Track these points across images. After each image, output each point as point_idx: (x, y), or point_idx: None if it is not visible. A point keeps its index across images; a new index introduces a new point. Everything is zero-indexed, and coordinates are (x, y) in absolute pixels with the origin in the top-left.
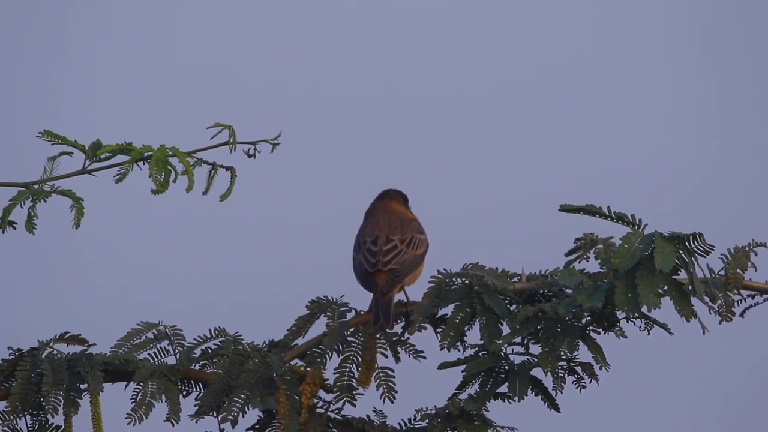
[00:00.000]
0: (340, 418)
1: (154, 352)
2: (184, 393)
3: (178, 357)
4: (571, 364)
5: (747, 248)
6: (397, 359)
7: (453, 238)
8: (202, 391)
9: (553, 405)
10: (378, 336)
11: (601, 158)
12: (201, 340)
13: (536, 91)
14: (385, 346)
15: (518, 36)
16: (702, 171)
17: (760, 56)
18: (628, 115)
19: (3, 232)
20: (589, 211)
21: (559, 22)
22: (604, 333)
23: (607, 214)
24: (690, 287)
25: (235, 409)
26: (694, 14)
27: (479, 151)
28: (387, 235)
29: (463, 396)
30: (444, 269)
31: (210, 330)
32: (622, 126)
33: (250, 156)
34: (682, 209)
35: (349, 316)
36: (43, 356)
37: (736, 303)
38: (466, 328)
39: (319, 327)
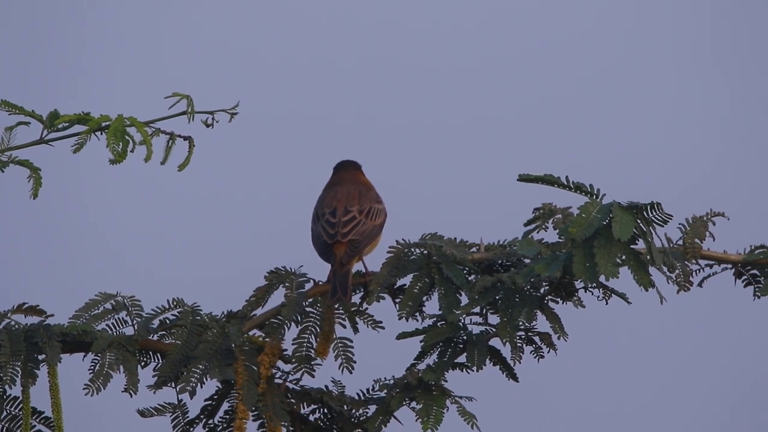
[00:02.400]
0: (299, 388)
1: (112, 323)
2: (143, 364)
3: (136, 328)
4: (530, 333)
5: (705, 218)
6: (356, 330)
7: (420, 209)
8: (161, 361)
9: (512, 375)
10: (336, 306)
11: (590, 139)
12: (159, 311)
13: (528, 67)
14: (343, 317)
15: (515, 11)
16: (703, 157)
17: (762, 47)
18: (623, 98)
19: None
20: (548, 180)
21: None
22: (563, 303)
23: (566, 183)
24: (648, 257)
25: (193, 379)
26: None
27: (465, 127)
28: (345, 206)
29: (422, 366)
30: (403, 239)
31: (168, 301)
32: (618, 109)
33: (208, 126)
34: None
35: (308, 286)
36: (1, 327)
37: (694, 273)
38: (424, 299)
39: (277, 298)
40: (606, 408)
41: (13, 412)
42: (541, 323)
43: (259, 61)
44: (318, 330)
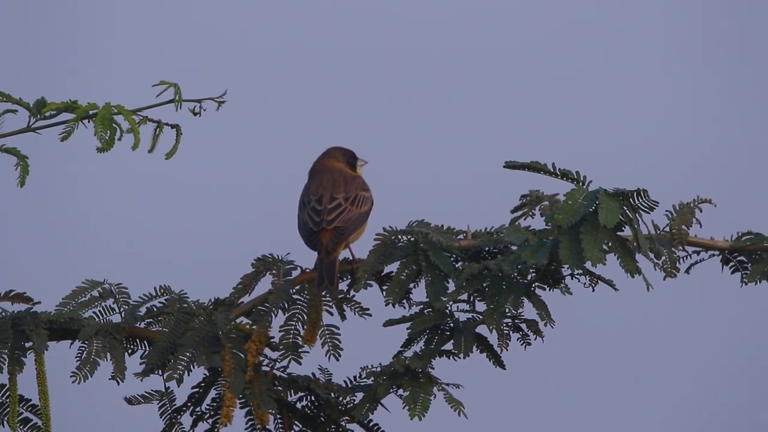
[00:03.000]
0: (286, 376)
1: (99, 311)
2: (130, 351)
3: (123, 315)
4: (516, 321)
5: (692, 204)
6: (343, 317)
7: (407, 197)
8: (148, 349)
9: (498, 362)
10: (323, 294)
11: (580, 131)
12: (146, 299)
13: (518, 58)
14: (330, 304)
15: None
16: (700, 151)
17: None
18: (613, 90)
19: None
20: (534, 167)
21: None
22: (550, 290)
23: (552, 170)
24: (634, 243)
25: (180, 367)
26: None
27: (442, 117)
28: (331, 193)
29: (409, 353)
30: (390, 226)
31: (155, 288)
32: (608, 101)
33: (195, 114)
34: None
35: (295, 273)
36: None
37: (680, 259)
38: (411, 286)
39: (264, 285)
40: (593, 394)
41: (0, 400)
42: (528, 310)
43: (247, 48)
44: (305, 317)
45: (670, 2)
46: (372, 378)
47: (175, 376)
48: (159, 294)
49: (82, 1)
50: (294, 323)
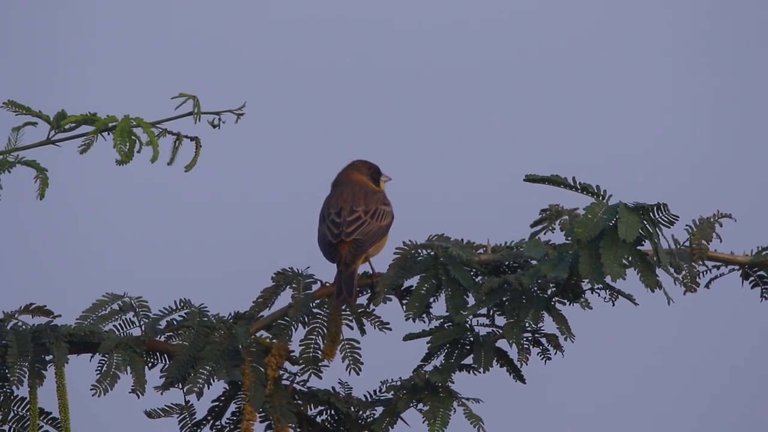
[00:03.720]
0: (306, 390)
1: (120, 324)
2: (150, 365)
3: (143, 328)
4: (536, 335)
5: (712, 219)
6: (362, 331)
7: (427, 211)
8: (168, 362)
9: (519, 376)
10: (343, 308)
11: (588, 143)
12: (166, 312)
13: (524, 72)
14: (350, 318)
15: (508, 13)
16: (700, 155)
17: (754, 45)
18: (618, 100)
19: None
20: (554, 181)
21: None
22: (570, 304)
23: (572, 184)
24: (654, 258)
25: (200, 380)
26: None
27: (461, 132)
28: (351, 206)
29: (429, 368)
30: (410, 240)
31: (175, 302)
32: (612, 111)
33: (214, 126)
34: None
35: (315, 287)
36: (8, 327)
37: (700, 274)
38: (431, 300)
39: (284, 299)
40: (613, 409)
41: (21, 413)
42: (548, 324)
43: (265, 63)
44: (325, 331)
45: (677, 13)
46: (392, 392)
47: (195, 389)
48: (179, 307)
49: (99, 14)
50: (314, 337)
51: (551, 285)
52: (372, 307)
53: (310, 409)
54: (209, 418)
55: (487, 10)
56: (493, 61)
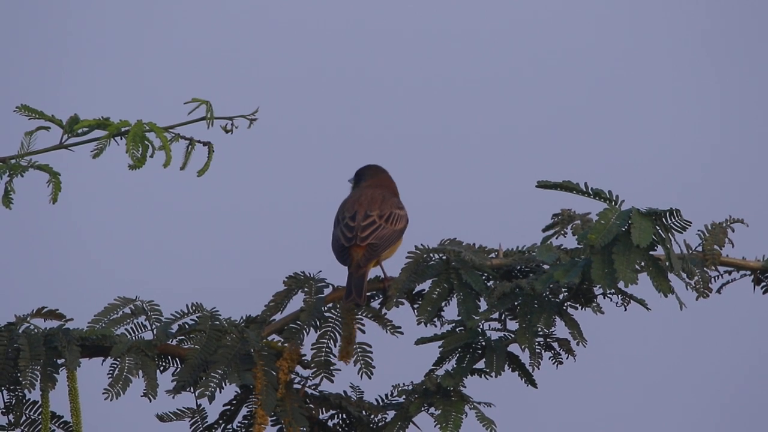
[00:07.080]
0: (318, 393)
1: (131, 328)
2: (162, 368)
3: (155, 332)
4: (548, 340)
5: (724, 224)
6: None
7: (439, 216)
8: (180, 366)
9: (530, 381)
10: (359, 312)
11: (597, 149)
12: (178, 316)
13: (533, 80)
14: (362, 322)
15: (516, 23)
16: (703, 162)
17: (761, 48)
18: (626, 106)
19: None
20: (567, 187)
21: (559, 9)
22: (582, 309)
23: (585, 190)
24: (667, 263)
25: (212, 384)
26: (696, 4)
27: (473, 138)
28: (366, 211)
29: (440, 372)
30: (422, 245)
31: (187, 305)
32: (620, 117)
33: (227, 131)
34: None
35: (327, 291)
36: (20, 331)
37: (713, 279)
38: (443, 304)
39: (296, 303)
40: (625, 414)
41: (33, 417)
42: (560, 329)
43: (278, 70)
44: (337, 335)
45: (679, 17)
46: (403, 396)
47: (207, 393)
48: (191, 311)
49: (111, 20)
50: (326, 341)
51: (563, 290)
52: (384, 310)
53: (322, 413)
54: (221, 421)
55: (501, 18)
56: (506, 69)
